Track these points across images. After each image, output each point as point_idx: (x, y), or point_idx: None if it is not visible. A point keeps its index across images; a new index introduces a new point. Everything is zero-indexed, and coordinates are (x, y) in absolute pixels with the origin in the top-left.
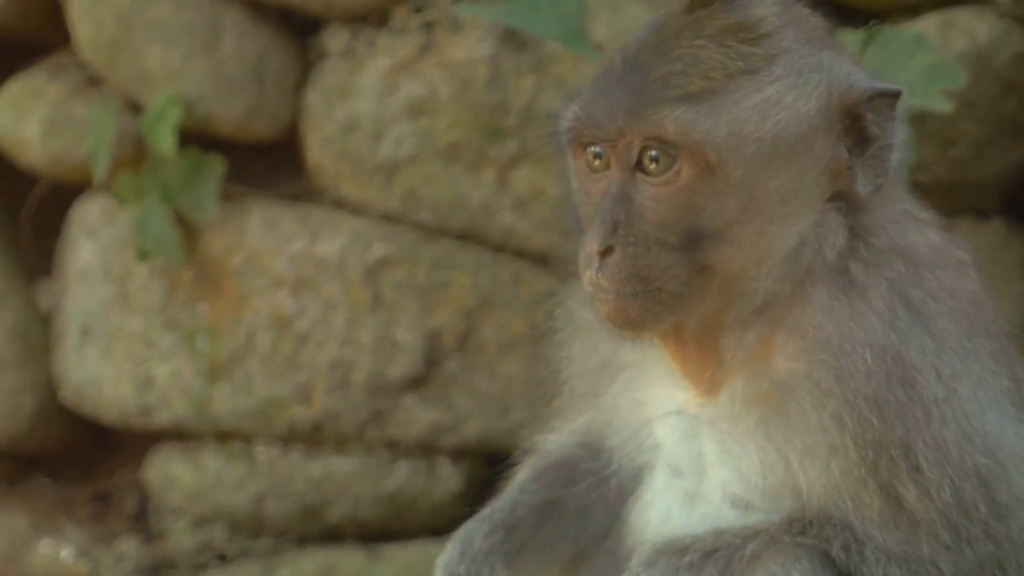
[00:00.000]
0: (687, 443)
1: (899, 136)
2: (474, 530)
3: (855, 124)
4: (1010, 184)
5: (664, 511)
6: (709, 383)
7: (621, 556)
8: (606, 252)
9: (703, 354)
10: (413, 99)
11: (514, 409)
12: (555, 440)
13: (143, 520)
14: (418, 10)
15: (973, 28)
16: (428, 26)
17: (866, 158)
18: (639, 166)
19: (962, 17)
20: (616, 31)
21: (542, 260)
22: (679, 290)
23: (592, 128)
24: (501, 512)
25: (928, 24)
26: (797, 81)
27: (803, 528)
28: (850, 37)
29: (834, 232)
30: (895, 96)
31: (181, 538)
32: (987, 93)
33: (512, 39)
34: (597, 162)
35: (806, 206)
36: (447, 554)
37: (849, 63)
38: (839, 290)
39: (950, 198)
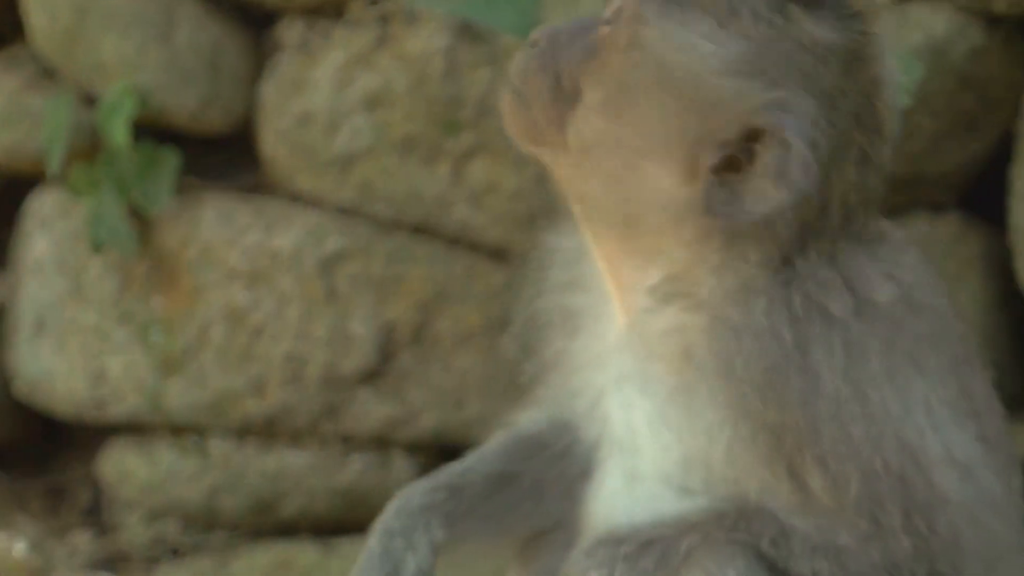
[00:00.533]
0: (626, 413)
1: None
2: (414, 488)
3: None
4: (966, 178)
5: (611, 492)
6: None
7: (577, 540)
8: (533, 44)
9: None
10: (368, 92)
11: (469, 402)
12: (525, 416)
13: (97, 514)
14: (374, 2)
15: (929, 22)
16: (384, 19)
17: None
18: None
19: (918, 11)
20: None
21: (497, 253)
22: (545, 125)
23: None
24: (448, 475)
25: (884, 18)
26: None
27: (734, 523)
28: None
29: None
30: None
31: (135, 532)
32: (943, 87)
33: (468, 32)
34: None
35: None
36: (384, 513)
37: None
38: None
39: (905, 192)
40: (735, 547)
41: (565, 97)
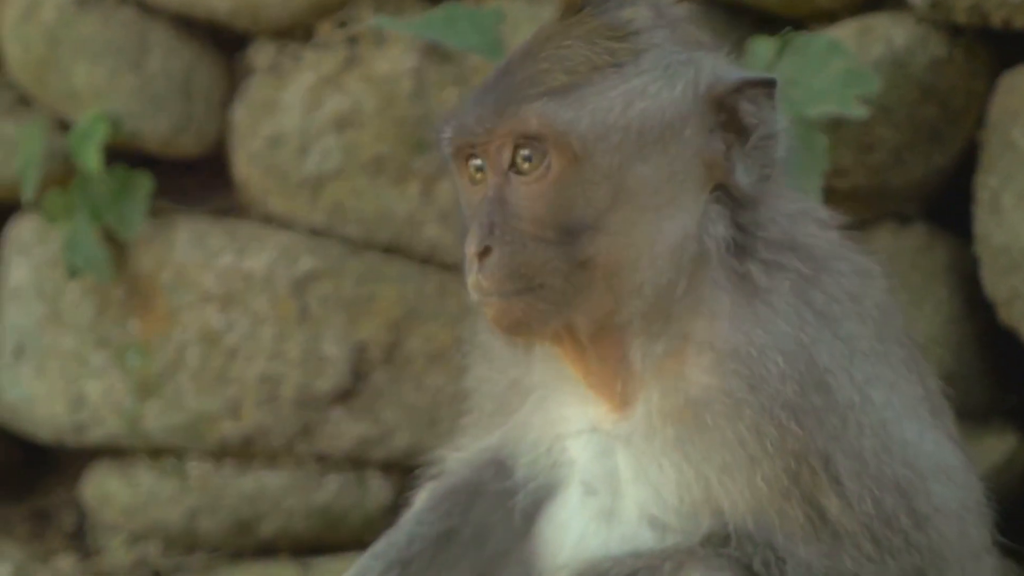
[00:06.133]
0: (601, 461)
1: (781, 125)
2: (368, 568)
3: (731, 116)
4: (931, 189)
5: (580, 531)
6: (620, 397)
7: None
8: (484, 253)
9: (607, 365)
10: (338, 113)
11: (441, 420)
12: (460, 459)
13: (80, 537)
14: (342, 24)
15: (890, 33)
16: (352, 40)
17: (747, 149)
18: (513, 167)
19: (879, 23)
20: None
21: None
22: (561, 286)
23: (465, 136)
24: (396, 548)
25: (845, 30)
26: (664, 73)
27: (723, 542)
28: (765, 44)
29: (714, 223)
30: (770, 85)
31: (117, 554)
32: (905, 98)
33: (435, 52)
34: (479, 174)
35: (682, 197)
36: None
37: (723, 60)
38: (743, 297)
39: (870, 204)
40: (722, 559)
41: (563, 248)
